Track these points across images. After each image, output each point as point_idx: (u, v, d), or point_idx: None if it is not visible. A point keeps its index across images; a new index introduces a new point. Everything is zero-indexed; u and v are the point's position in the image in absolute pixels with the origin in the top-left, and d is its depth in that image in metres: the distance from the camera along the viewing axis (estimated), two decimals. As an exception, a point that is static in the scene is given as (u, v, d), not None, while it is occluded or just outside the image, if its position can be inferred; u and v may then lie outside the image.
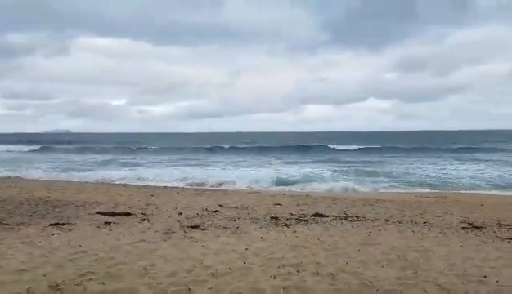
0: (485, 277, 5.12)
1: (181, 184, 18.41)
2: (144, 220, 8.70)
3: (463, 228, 8.38)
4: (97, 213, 9.25)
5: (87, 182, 18.63)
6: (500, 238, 7.48)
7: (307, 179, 20.90)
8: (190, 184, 18.54)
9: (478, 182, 19.75)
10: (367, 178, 21.71)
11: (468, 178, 21.59)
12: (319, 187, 18.15)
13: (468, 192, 16.72)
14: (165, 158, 38.09)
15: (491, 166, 28.05)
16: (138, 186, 16.66)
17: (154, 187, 16.28)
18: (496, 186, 18.29)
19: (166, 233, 7.41)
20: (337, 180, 20.47)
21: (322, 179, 21.16)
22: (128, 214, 9.24)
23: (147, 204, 10.91)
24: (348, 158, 35.30)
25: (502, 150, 42.14)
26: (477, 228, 8.36)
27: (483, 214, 10.15)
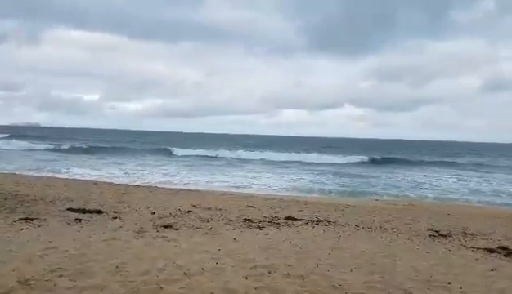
0: (449, 283, 5.32)
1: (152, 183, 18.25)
2: (116, 218, 8.62)
3: (430, 235, 8.68)
4: (68, 210, 9.09)
5: (56, 178, 18.21)
6: (464, 246, 7.78)
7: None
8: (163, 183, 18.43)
9: (446, 192, 20.40)
10: (341, 185, 22.12)
11: (437, 187, 22.24)
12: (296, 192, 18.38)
13: (435, 201, 17.23)
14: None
15: (460, 176, 29.07)
16: (110, 183, 16.40)
17: (127, 185, 16.07)
18: (463, 196, 18.92)
19: (138, 231, 7.36)
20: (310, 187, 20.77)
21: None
22: (99, 211, 9.12)
23: (119, 202, 10.78)
24: (324, 167, 35.73)
25: (476, 163, 43.43)
26: (443, 236, 8.67)
27: (450, 223, 10.51)
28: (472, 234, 8.97)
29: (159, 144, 55.94)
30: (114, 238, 6.75)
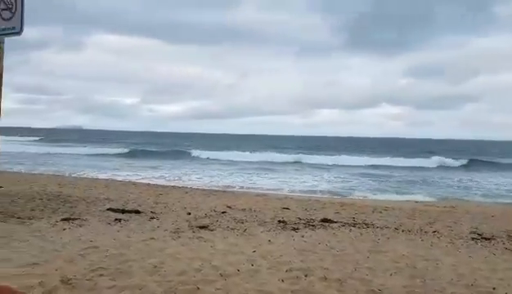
0: (494, 288, 5.08)
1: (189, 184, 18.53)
2: (153, 218, 8.79)
3: (472, 238, 8.32)
4: (108, 210, 9.36)
5: (97, 179, 18.83)
6: (509, 249, 7.41)
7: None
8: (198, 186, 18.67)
9: (488, 193, 19.57)
10: (379, 185, 21.68)
11: (479, 188, 21.38)
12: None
13: (478, 202, 16.57)
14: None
15: (503, 177, 27.83)
16: (148, 184, 16.79)
17: (164, 186, 16.40)
18: (506, 197, 18.08)
19: (175, 232, 7.47)
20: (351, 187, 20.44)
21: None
22: (137, 212, 9.34)
23: (156, 203, 11.00)
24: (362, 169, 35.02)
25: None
26: (486, 239, 8.30)
27: (493, 225, 10.06)
28: (518, 238, 8.54)
29: (193, 147, 56.75)
30: (152, 238, 6.87)
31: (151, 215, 9.12)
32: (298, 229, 8.42)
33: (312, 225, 8.91)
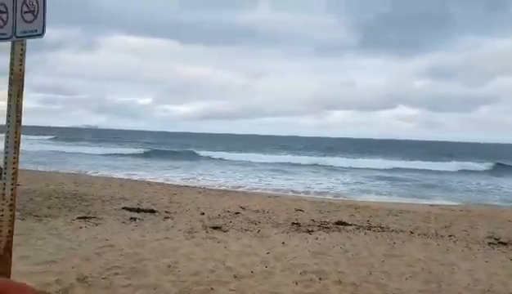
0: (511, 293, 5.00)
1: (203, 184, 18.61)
2: (167, 217, 8.85)
3: (489, 243, 8.18)
4: (123, 208, 9.45)
5: (113, 178, 19.04)
6: (528, 256, 7.27)
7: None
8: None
9: (507, 197, 19.21)
10: (393, 188, 21.49)
11: (497, 192, 21.00)
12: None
13: (495, 206, 16.27)
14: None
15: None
16: (162, 184, 16.92)
17: (178, 186, 16.51)
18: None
19: (189, 232, 7.51)
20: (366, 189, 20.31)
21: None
22: (152, 211, 9.41)
23: (171, 202, 11.08)
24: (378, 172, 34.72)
25: None
26: (503, 243, 8.14)
27: (510, 230, 9.87)
28: (536, 243, 8.35)
29: (206, 147, 56.98)
30: (167, 238, 6.93)
31: (166, 214, 9.18)
32: (312, 231, 8.38)
33: (327, 228, 8.86)
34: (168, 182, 18.53)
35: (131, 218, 8.42)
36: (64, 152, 39.12)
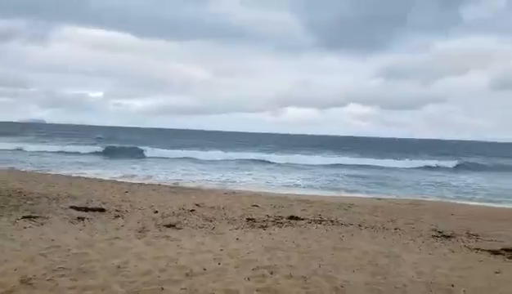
0: (452, 285, 5.27)
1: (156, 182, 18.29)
2: (118, 216, 8.62)
3: (433, 236, 8.62)
4: (71, 207, 9.11)
5: (61, 175, 18.28)
6: (468, 247, 7.72)
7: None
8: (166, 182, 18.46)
9: (451, 192, 20.30)
10: (346, 183, 22.09)
11: (443, 187, 22.11)
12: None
13: (439, 201, 17.15)
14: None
15: (467, 176, 28.93)
16: (113, 182, 16.45)
17: (130, 183, 16.11)
18: (466, 196, 18.80)
19: (140, 231, 7.37)
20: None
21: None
22: (102, 210, 9.13)
23: (122, 200, 10.80)
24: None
25: (480, 164, 42.47)
26: (446, 237, 8.61)
27: (453, 223, 10.46)
28: (476, 235, 8.90)
29: (162, 143, 56.06)
30: (117, 238, 6.75)
31: (116, 213, 8.94)
32: (266, 226, 8.48)
33: (280, 223, 9.00)
34: (120, 179, 18.06)
35: (79, 217, 8.13)
36: (6, 149, 36.99)
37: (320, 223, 9.25)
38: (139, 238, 6.82)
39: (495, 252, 7.28)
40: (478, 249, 7.53)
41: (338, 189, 19.33)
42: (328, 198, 15.56)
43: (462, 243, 8.05)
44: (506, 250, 7.43)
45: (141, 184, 16.25)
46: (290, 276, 5.25)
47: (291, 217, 9.67)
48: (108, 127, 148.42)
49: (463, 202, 16.71)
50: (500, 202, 17.37)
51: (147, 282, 4.75)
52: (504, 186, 23.17)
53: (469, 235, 8.89)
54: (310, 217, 9.90)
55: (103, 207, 9.50)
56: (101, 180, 16.52)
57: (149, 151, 38.84)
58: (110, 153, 37.28)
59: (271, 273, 5.30)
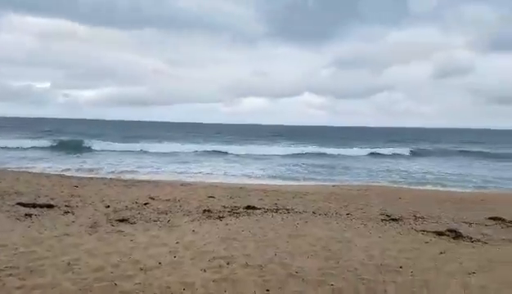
0: (401, 267, 5.53)
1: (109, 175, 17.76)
2: (68, 212, 8.33)
3: (382, 220, 8.98)
4: (17, 204, 8.68)
5: (6, 170, 17.32)
6: (415, 229, 8.12)
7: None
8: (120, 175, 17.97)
9: (396, 177, 21.18)
10: (302, 172, 22.48)
11: (394, 173, 22.99)
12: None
13: (389, 186, 17.87)
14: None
15: (413, 162, 30.25)
16: (62, 176, 15.81)
17: (80, 177, 15.54)
18: (414, 181, 19.70)
19: (92, 226, 7.16)
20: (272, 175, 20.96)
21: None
22: (50, 206, 8.78)
23: (71, 196, 10.41)
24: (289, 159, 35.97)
25: (423, 149, 44.52)
26: (394, 220, 9.00)
27: (401, 207, 10.94)
28: (422, 218, 9.38)
29: (111, 135, 54.47)
30: (66, 234, 6.52)
31: (66, 209, 8.62)
32: (222, 217, 8.49)
33: (237, 213, 9.04)
34: (69, 174, 17.37)
35: (26, 214, 7.77)
36: None
37: (276, 212, 9.38)
38: (90, 234, 6.63)
39: (440, 233, 7.70)
40: (424, 231, 7.94)
41: (294, 178, 19.64)
42: (284, 187, 15.77)
43: (409, 226, 8.46)
44: (450, 231, 7.89)
45: (91, 178, 15.71)
46: (247, 265, 5.31)
47: (248, 207, 9.73)
48: (56, 119, 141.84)
49: (411, 187, 17.51)
50: (445, 185, 18.35)
51: (99, 279, 4.63)
52: (449, 171, 24.49)
53: (415, 218, 9.35)
54: (266, 206, 10.01)
55: (52, 202, 9.13)
56: (49, 175, 15.82)
57: (100, 144, 37.54)
58: (58, 146, 35.67)
59: (228, 264, 5.32)
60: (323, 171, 23.28)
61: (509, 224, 8.89)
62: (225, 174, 20.59)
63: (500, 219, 9.41)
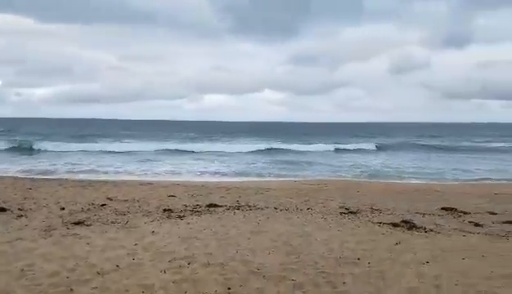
0: (359, 259, 5.70)
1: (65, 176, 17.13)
2: (21, 216, 8.00)
3: (341, 213, 9.19)
4: (-36, 210, 8.23)
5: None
6: (372, 222, 8.36)
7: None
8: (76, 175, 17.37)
9: (357, 171, 21.72)
10: (263, 168, 22.60)
11: (354, 167, 23.52)
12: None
13: (348, 180, 18.29)
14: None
15: (372, 156, 31.11)
16: (15, 178, 15.11)
17: (34, 179, 14.91)
18: (374, 175, 20.26)
19: (46, 230, 6.91)
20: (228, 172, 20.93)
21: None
22: (2, 209, 8.40)
23: (25, 198, 9.98)
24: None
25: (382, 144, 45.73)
26: (353, 213, 9.24)
27: (359, 200, 11.23)
28: (379, 210, 9.68)
29: (66, 134, 52.62)
30: (20, 239, 6.28)
31: (19, 212, 8.27)
32: (183, 216, 8.40)
33: (198, 211, 8.97)
34: (22, 175, 16.62)
35: (-26, 220, 7.38)
36: None
37: (238, 209, 9.39)
38: (45, 238, 6.39)
39: (395, 225, 7.98)
40: (380, 223, 8.20)
41: (256, 175, 19.70)
42: (246, 183, 15.79)
43: (367, 218, 8.71)
44: (405, 222, 8.19)
45: (46, 179, 15.11)
46: (208, 264, 5.28)
47: (210, 205, 9.69)
48: (9, 119, 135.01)
49: (371, 181, 18.00)
50: (403, 178, 19.00)
51: (55, 284, 4.48)
52: (407, 164, 25.36)
53: (372, 210, 9.63)
54: (228, 204, 10.00)
55: (3, 206, 8.73)
56: (2, 177, 15.07)
57: (56, 144, 36.11)
58: (11, 147, 34.04)
59: (189, 264, 5.28)
60: (286, 166, 23.48)
61: (461, 214, 9.33)
62: (187, 172, 20.36)
63: (452, 209, 9.85)
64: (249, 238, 6.65)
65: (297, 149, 37.60)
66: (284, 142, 44.67)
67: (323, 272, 5.12)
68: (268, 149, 36.48)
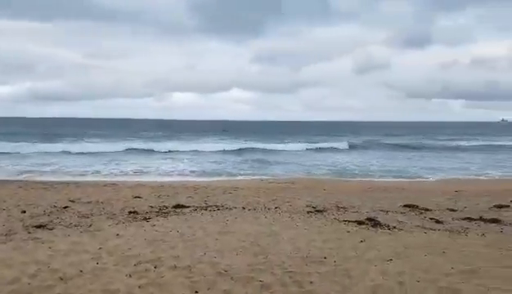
0: (325, 257, 5.78)
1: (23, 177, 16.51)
2: (-23, 221, 7.62)
3: (308, 212, 9.30)
4: None
5: None
6: (338, 220, 8.50)
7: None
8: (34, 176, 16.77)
9: (325, 169, 22.05)
10: (231, 167, 22.53)
11: (319, 166, 23.86)
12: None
13: (315, 178, 18.53)
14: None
15: (339, 155, 31.62)
16: (-29, 180, 14.44)
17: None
18: (342, 173, 20.62)
19: (6, 234, 6.64)
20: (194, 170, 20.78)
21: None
22: (-44, 215, 7.98)
23: (-18, 202, 9.55)
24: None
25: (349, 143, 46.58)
26: (319, 211, 9.37)
27: (326, 198, 11.40)
28: (344, 208, 9.86)
29: (29, 134, 50.71)
30: (-24, 246, 5.97)
31: (-25, 217, 7.89)
32: (149, 218, 8.27)
33: (165, 213, 8.86)
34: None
35: None
36: None
37: (205, 209, 9.34)
38: (4, 243, 6.15)
39: (360, 222, 8.14)
40: (346, 221, 8.35)
41: (224, 174, 19.64)
42: (214, 183, 15.73)
43: (333, 216, 8.85)
44: (369, 219, 8.38)
45: (5, 181, 14.51)
46: (175, 267, 5.22)
47: (176, 206, 9.59)
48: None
49: (340, 179, 18.30)
50: (371, 176, 19.42)
51: (15, 291, 4.33)
52: (374, 162, 25.95)
53: (338, 208, 9.81)
54: (196, 204, 9.93)
55: (-43, 211, 8.30)
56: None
57: (17, 144, 34.72)
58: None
59: (155, 267, 5.20)
60: (255, 165, 23.54)
61: (422, 211, 9.64)
62: (153, 172, 20.06)
63: (413, 206, 10.17)
64: (216, 239, 6.62)
65: (266, 147, 37.78)
66: (254, 141, 44.76)
67: (290, 271, 5.17)
68: (239, 148, 36.43)
